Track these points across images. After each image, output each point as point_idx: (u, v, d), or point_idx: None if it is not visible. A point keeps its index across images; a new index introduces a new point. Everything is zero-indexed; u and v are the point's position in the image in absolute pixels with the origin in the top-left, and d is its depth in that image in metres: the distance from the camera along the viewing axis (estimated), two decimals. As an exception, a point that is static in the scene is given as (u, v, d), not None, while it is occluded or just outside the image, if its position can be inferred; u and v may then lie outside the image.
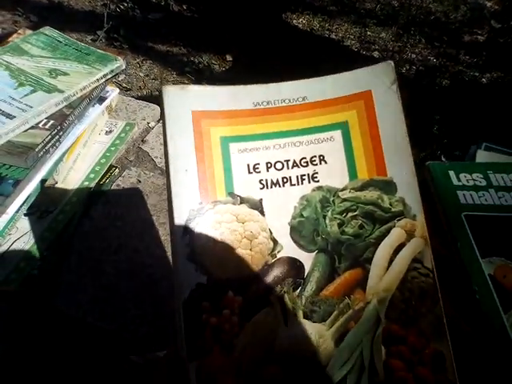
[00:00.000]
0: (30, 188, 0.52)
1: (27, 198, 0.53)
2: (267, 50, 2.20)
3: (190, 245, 0.29)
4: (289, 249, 0.30)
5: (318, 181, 0.31)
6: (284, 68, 2.03)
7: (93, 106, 0.63)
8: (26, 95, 0.55)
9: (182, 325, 0.28)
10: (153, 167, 0.71)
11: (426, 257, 0.31)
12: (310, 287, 0.29)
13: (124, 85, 1.81)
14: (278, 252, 0.29)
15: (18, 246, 0.53)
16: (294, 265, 0.29)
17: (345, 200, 0.30)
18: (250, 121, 0.31)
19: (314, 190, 0.31)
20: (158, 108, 0.83)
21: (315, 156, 0.31)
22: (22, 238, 0.54)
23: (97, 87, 0.62)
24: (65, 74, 0.61)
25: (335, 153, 0.31)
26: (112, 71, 0.64)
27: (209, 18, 2.40)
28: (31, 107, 0.54)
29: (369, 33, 2.43)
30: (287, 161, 0.31)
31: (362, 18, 2.57)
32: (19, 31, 0.69)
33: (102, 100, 0.66)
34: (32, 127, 0.54)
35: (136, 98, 0.86)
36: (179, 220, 0.29)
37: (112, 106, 0.75)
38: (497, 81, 2.06)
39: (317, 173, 0.31)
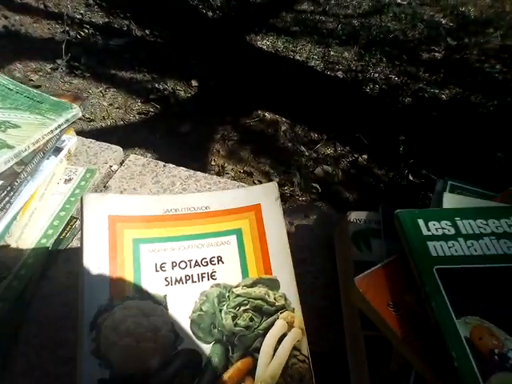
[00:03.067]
0: (-22, 257, 0.48)
1: (-25, 268, 0.48)
2: (233, 73, 2.21)
3: (97, 339, 0.31)
4: (189, 341, 0.32)
5: (215, 278, 0.36)
6: (250, 91, 2.04)
7: (47, 158, 0.60)
8: (-29, 154, 0.51)
9: None
10: (116, 215, 0.68)
11: (303, 345, 0.36)
12: (207, 377, 0.32)
13: (87, 115, 1.77)
14: (179, 344, 0.32)
15: (-34, 319, 0.48)
16: (193, 356, 0.32)
17: (238, 295, 0.35)
18: (160, 225, 0.36)
19: (212, 287, 0.35)
20: (120, 149, 0.80)
21: (214, 257, 0.37)
22: (-29, 309, 0.50)
23: (51, 139, 0.58)
24: (15, 126, 0.57)
25: (231, 254, 0.37)
26: (67, 120, 0.60)
27: (173, 42, 2.39)
28: (-23, 168, 0.50)
29: (332, 53, 2.48)
30: (190, 260, 0.36)
31: (324, 38, 2.63)
32: (-35, 79, 0.65)
33: (57, 151, 0.62)
34: (-22, 189, 0.50)
35: (97, 135, 0.83)
36: (88, 315, 0.32)
37: (71, 151, 0.72)
38: (456, 97, 2.13)
39: (215, 271, 0.36)
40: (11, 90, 0.63)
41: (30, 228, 0.59)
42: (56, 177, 0.67)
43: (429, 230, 0.44)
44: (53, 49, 2.16)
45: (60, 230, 0.61)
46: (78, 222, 0.65)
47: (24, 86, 0.66)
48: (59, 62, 2.02)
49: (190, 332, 0.32)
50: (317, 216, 0.72)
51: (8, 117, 0.58)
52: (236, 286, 0.35)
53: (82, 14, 2.48)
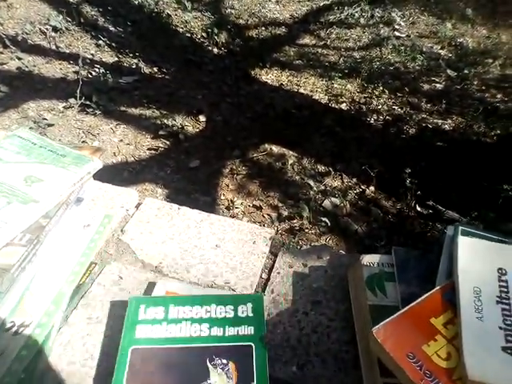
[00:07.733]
0: (7, 310, 0.50)
1: (3, 320, 0.50)
2: (239, 108, 2.27)
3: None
4: None
5: None
6: (256, 125, 2.09)
7: (69, 209, 0.62)
8: (0, 209, 0.54)
9: None
10: (134, 260, 0.70)
11: None
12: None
13: (98, 152, 1.81)
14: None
15: (-8, 371, 0.50)
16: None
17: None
18: None
19: None
20: (136, 193, 0.83)
21: None
22: (-4, 360, 0.51)
23: (74, 191, 0.61)
24: (40, 180, 0.60)
25: None
26: (89, 173, 0.63)
27: (180, 78, 2.47)
28: (6, 223, 0.52)
29: (335, 85, 2.54)
30: None
31: (327, 71, 2.70)
32: (-8, 133, 0.69)
33: (79, 201, 0.65)
34: (6, 244, 0.52)
35: (108, 172, 0.85)
36: None
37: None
38: (458, 127, 2.17)
39: None
40: (35, 144, 0.67)
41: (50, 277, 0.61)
42: (76, 224, 0.69)
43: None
44: (65, 88, 2.24)
45: (80, 276, 0.63)
46: (97, 267, 0.66)
47: (47, 140, 0.69)
48: (72, 100, 2.08)
49: None
50: (330, 257, 0.73)
51: (33, 171, 0.61)
52: None
53: (92, 54, 2.57)
